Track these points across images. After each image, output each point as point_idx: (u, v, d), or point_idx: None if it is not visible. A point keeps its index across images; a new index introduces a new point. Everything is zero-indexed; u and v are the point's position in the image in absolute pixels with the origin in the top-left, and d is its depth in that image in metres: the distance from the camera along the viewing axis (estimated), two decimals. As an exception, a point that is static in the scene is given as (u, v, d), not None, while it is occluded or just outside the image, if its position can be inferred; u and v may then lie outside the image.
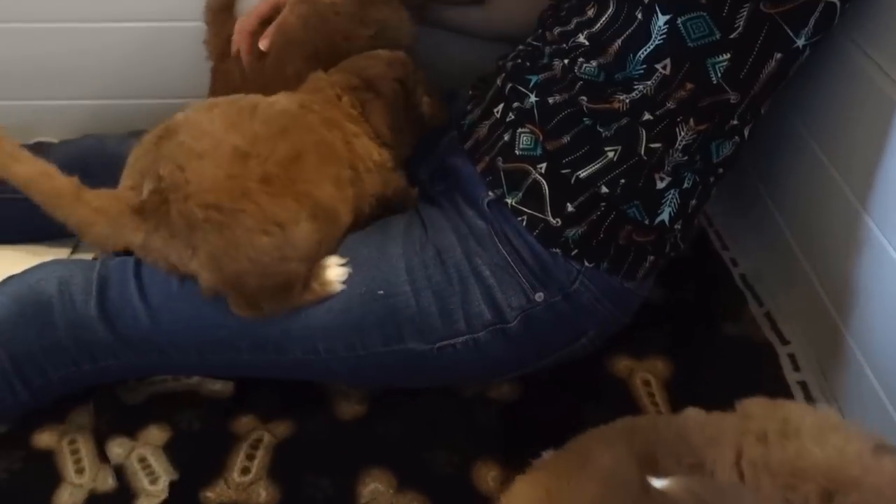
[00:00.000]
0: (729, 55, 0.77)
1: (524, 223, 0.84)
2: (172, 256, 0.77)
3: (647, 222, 0.84)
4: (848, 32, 0.86)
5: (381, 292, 0.84)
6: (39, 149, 1.08)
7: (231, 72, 1.05)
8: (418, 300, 0.84)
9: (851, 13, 0.81)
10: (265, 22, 1.02)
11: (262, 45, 1.00)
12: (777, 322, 1.01)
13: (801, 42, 0.78)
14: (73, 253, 1.09)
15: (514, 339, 0.86)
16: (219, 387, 0.92)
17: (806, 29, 0.77)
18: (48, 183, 0.73)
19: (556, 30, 0.88)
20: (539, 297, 0.85)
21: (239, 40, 1.03)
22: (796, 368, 0.95)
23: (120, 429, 0.88)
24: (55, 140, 1.14)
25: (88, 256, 1.06)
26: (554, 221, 0.83)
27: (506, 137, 0.87)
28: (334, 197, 0.82)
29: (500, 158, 0.87)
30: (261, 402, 0.91)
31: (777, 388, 0.92)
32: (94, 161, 1.04)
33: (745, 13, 0.74)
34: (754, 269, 1.09)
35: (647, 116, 0.81)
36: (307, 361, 0.86)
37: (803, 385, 0.93)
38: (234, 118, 0.78)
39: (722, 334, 1.00)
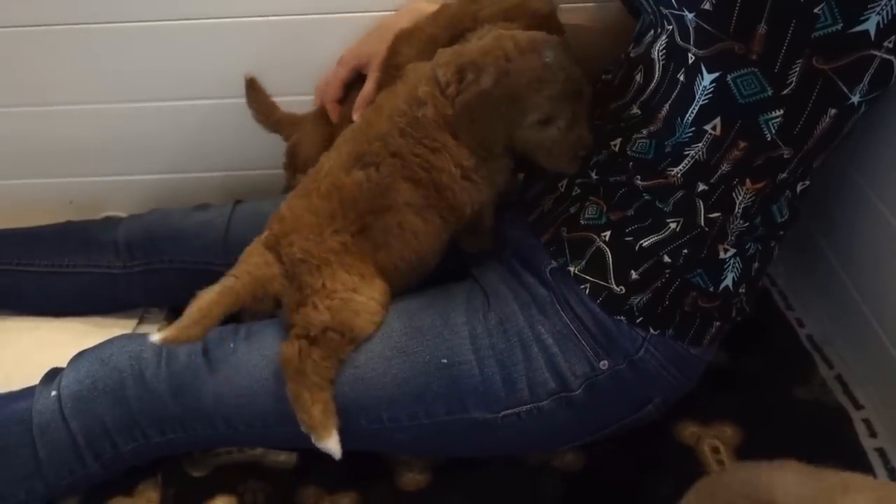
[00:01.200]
0: (782, 111, 0.76)
1: (587, 291, 0.84)
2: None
3: (711, 289, 0.83)
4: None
5: (445, 361, 0.84)
6: (108, 223, 1.13)
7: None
8: (482, 369, 0.84)
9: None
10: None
11: (356, 117, 1.00)
12: (849, 385, 0.98)
13: (855, 99, 0.76)
14: (139, 324, 1.11)
15: (578, 408, 0.85)
16: (283, 458, 0.93)
17: (860, 86, 0.75)
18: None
19: (613, 105, 0.88)
20: (604, 364, 0.84)
21: (333, 113, 1.06)
22: (872, 434, 0.92)
23: (186, 501, 0.88)
24: (123, 214, 1.17)
25: (153, 328, 1.09)
26: (617, 289, 0.83)
27: (571, 210, 0.88)
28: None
29: (564, 229, 0.87)
30: (325, 473, 0.90)
31: (853, 455, 0.89)
32: (160, 234, 1.07)
33: (797, 69, 0.73)
34: (822, 329, 1.06)
35: (701, 187, 0.81)
36: (371, 431, 0.86)
37: (881, 452, 0.90)
38: None
39: (792, 398, 0.97)
